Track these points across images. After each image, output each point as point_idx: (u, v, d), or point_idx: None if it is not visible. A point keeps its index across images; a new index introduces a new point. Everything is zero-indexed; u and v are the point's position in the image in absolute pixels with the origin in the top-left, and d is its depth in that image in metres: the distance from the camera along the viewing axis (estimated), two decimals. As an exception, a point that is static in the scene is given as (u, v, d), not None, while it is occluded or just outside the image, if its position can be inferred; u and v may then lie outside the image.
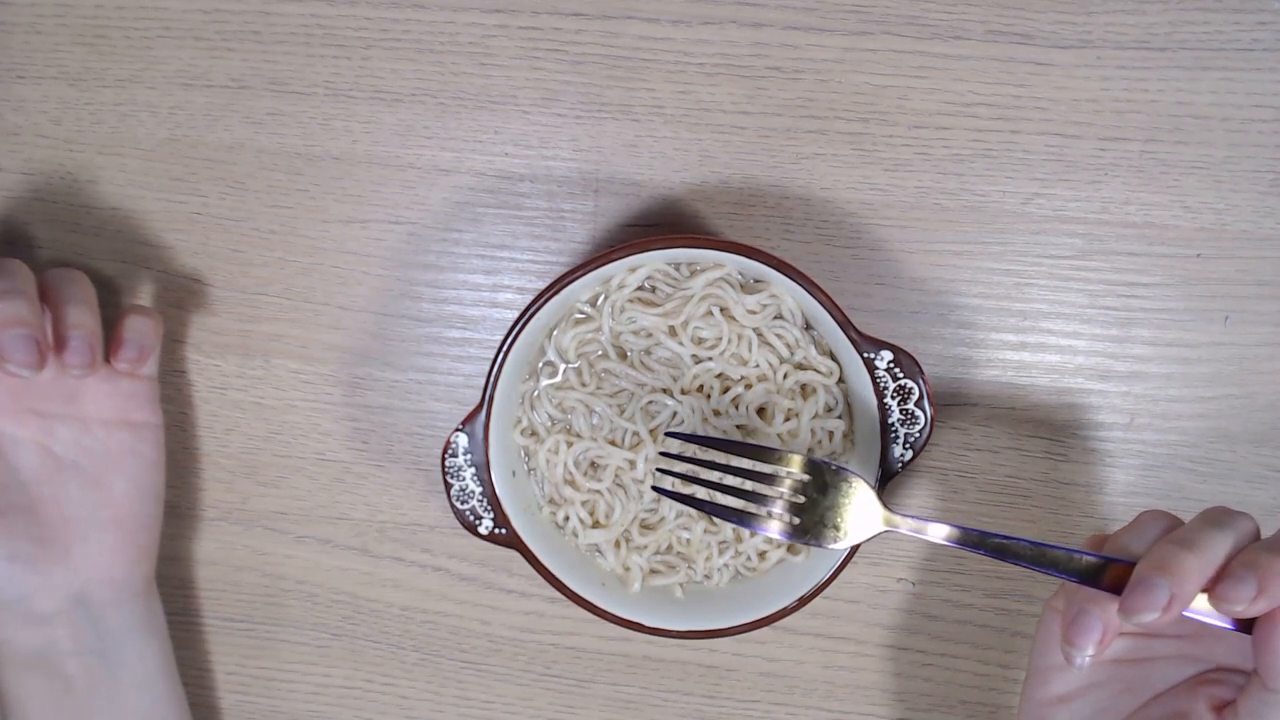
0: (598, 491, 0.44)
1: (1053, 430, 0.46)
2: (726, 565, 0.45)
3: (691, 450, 0.43)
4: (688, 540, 0.44)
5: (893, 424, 0.41)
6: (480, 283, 0.47)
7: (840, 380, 0.43)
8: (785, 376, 0.43)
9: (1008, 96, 0.44)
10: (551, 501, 0.45)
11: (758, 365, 0.43)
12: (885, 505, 0.38)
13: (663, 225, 0.46)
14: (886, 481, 0.41)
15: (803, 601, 0.42)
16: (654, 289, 0.43)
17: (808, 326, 0.43)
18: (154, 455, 0.45)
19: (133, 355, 0.42)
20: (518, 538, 0.42)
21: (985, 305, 0.46)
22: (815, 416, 0.43)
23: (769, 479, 0.39)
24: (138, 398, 0.45)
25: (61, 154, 0.47)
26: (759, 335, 0.43)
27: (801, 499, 0.39)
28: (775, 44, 0.44)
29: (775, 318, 0.43)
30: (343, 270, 0.47)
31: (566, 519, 0.45)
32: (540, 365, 0.44)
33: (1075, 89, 0.44)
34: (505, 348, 0.40)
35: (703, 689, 0.50)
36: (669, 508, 0.44)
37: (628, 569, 0.44)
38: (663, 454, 0.42)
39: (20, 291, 0.40)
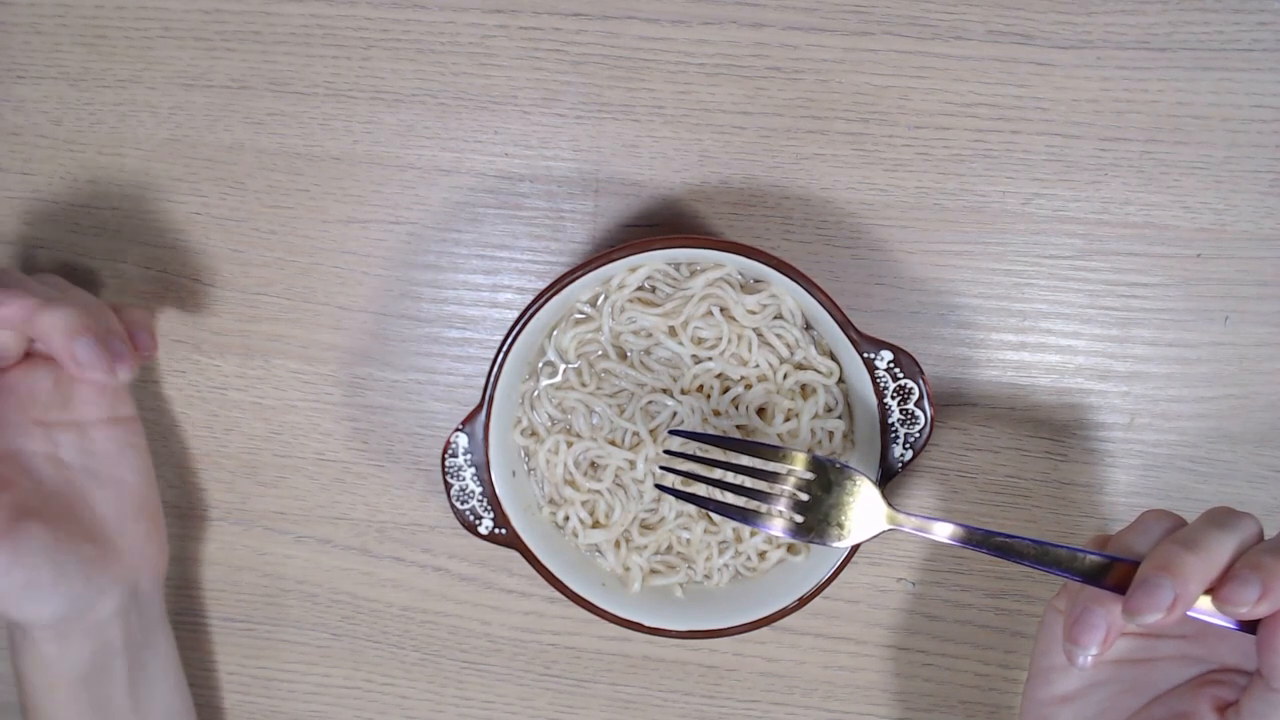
0: (598, 491, 0.44)
1: (1053, 430, 0.46)
2: (726, 565, 0.45)
3: (694, 448, 0.43)
4: (688, 540, 0.44)
5: (893, 424, 0.41)
6: (480, 283, 0.47)
7: (840, 380, 0.43)
8: (785, 376, 0.43)
9: (1008, 97, 0.44)
10: (551, 501, 0.45)
11: (758, 365, 0.42)
12: (889, 503, 0.38)
13: (663, 225, 0.46)
14: (887, 481, 0.41)
15: (803, 601, 0.42)
16: (654, 289, 0.43)
17: (808, 326, 0.43)
18: (143, 445, 0.46)
19: (151, 344, 0.44)
20: (518, 538, 0.42)
21: (985, 305, 0.46)
22: (815, 416, 0.43)
23: (772, 477, 0.39)
24: (119, 394, 0.45)
25: (61, 154, 0.47)
26: (759, 335, 0.42)
27: (805, 497, 0.39)
28: (776, 44, 0.44)
29: (775, 318, 0.42)
30: (343, 270, 0.47)
31: (566, 519, 0.45)
32: (540, 365, 0.44)
33: (1075, 89, 0.44)
34: (505, 348, 0.40)
35: (703, 689, 0.50)
36: (669, 508, 0.44)
37: (628, 569, 0.44)
38: (667, 452, 0.42)
39: (85, 303, 0.41)
